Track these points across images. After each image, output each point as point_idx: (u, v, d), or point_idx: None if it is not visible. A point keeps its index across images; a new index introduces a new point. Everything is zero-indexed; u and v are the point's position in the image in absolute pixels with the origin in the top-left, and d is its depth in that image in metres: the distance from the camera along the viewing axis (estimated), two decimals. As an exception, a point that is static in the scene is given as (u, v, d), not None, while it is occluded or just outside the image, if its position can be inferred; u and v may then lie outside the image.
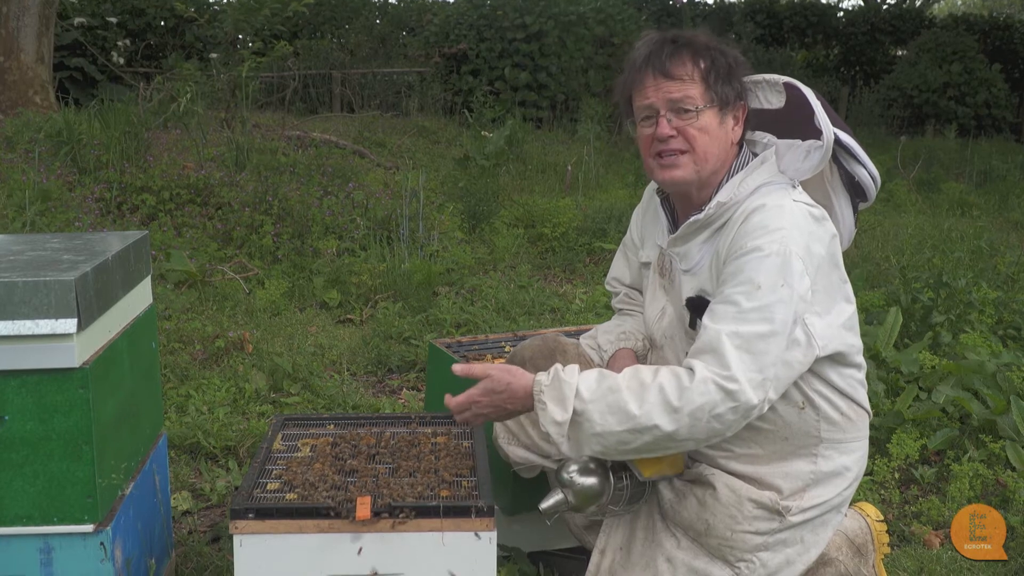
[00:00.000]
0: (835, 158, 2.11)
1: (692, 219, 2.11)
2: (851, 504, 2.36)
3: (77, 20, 12.54)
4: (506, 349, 3.02)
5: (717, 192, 2.09)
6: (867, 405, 2.17)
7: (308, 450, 2.32)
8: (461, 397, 2.07)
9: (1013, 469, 3.36)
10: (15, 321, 1.84)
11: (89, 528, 1.96)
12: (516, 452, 2.33)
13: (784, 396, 2.00)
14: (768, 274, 1.91)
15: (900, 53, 19.76)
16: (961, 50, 17.04)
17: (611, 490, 2.09)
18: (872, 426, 2.24)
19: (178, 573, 2.59)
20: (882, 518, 2.41)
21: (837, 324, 2.03)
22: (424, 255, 5.98)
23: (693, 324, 2.11)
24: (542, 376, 2.00)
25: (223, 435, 3.41)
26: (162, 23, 13.65)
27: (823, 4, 20.50)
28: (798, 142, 2.09)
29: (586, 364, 2.37)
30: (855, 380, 2.12)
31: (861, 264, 6.29)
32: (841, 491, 2.14)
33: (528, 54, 13.37)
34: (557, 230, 6.91)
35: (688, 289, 2.13)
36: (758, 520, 2.07)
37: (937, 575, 2.73)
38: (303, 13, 9.70)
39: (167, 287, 5.08)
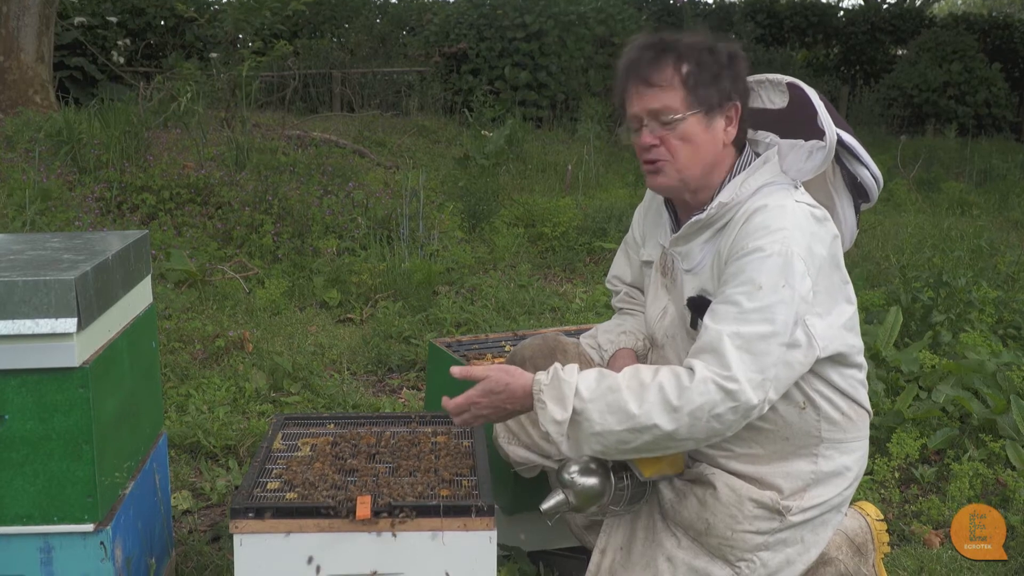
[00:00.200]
0: (837, 158, 2.11)
1: (694, 219, 2.11)
2: (851, 503, 2.36)
3: (77, 19, 12.54)
4: (506, 348, 3.02)
5: (719, 192, 2.09)
6: (868, 405, 2.17)
7: (308, 449, 2.32)
8: (460, 399, 2.07)
9: (1013, 468, 3.36)
10: (15, 320, 1.84)
11: (89, 527, 1.96)
12: (516, 452, 2.32)
13: (785, 396, 2.00)
14: (769, 275, 1.91)
15: (900, 52, 19.75)
16: (961, 49, 17.04)
17: (612, 490, 2.09)
18: (872, 425, 2.24)
19: (178, 572, 2.59)
20: (882, 517, 2.41)
21: (838, 325, 2.03)
22: (424, 254, 5.99)
23: (694, 324, 2.11)
24: (541, 376, 2.00)
25: (223, 434, 3.41)
26: (162, 22, 13.65)
27: (823, 4, 20.49)
28: (801, 142, 2.09)
29: (586, 363, 2.37)
30: (856, 380, 2.12)
31: (861, 263, 6.29)
32: (841, 491, 2.14)
33: (528, 53, 13.37)
34: (557, 229, 6.91)
35: (690, 289, 2.13)
36: (758, 520, 2.07)
37: (937, 574, 2.73)
38: (303, 12, 9.70)
39: (167, 286, 5.08)
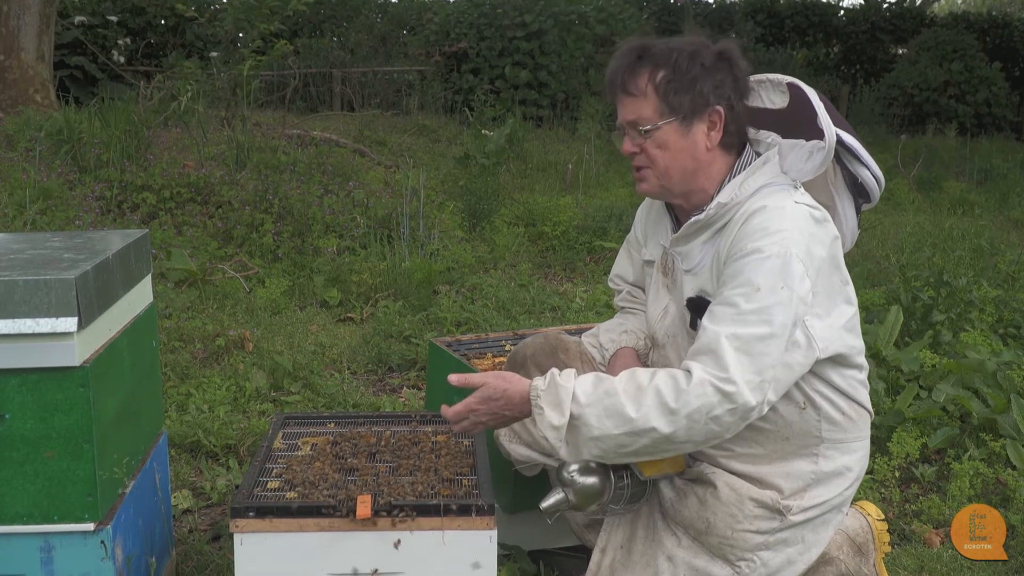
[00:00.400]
0: (838, 159, 2.10)
1: (693, 219, 2.11)
2: (852, 503, 2.36)
3: (78, 19, 12.54)
4: (507, 348, 3.02)
5: (718, 192, 2.09)
6: (868, 405, 2.17)
7: (309, 449, 2.32)
8: (458, 406, 2.07)
9: (1013, 468, 3.36)
10: (15, 320, 1.84)
11: (90, 527, 1.96)
12: (518, 450, 2.32)
13: (785, 396, 2.00)
14: (768, 276, 1.91)
15: (900, 52, 19.75)
16: (961, 48, 17.04)
17: (612, 489, 2.09)
18: (873, 425, 2.24)
19: (178, 572, 2.59)
20: (883, 517, 2.41)
21: (838, 326, 2.03)
22: (424, 254, 5.98)
23: (694, 324, 2.10)
24: (538, 381, 1.99)
25: (223, 434, 3.41)
26: (162, 22, 13.64)
27: (824, 3, 20.48)
28: (802, 142, 2.08)
29: (588, 362, 2.37)
30: (856, 381, 2.12)
31: (861, 263, 6.29)
32: (842, 491, 2.14)
33: (528, 53, 13.36)
34: (557, 229, 6.91)
35: (689, 289, 2.13)
36: (759, 519, 2.07)
37: (937, 574, 2.73)
38: (303, 12, 9.71)
39: (167, 286, 5.08)
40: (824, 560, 2.27)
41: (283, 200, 6.28)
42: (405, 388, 4.20)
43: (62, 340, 1.86)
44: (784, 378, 1.93)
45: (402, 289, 5.31)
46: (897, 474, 3.31)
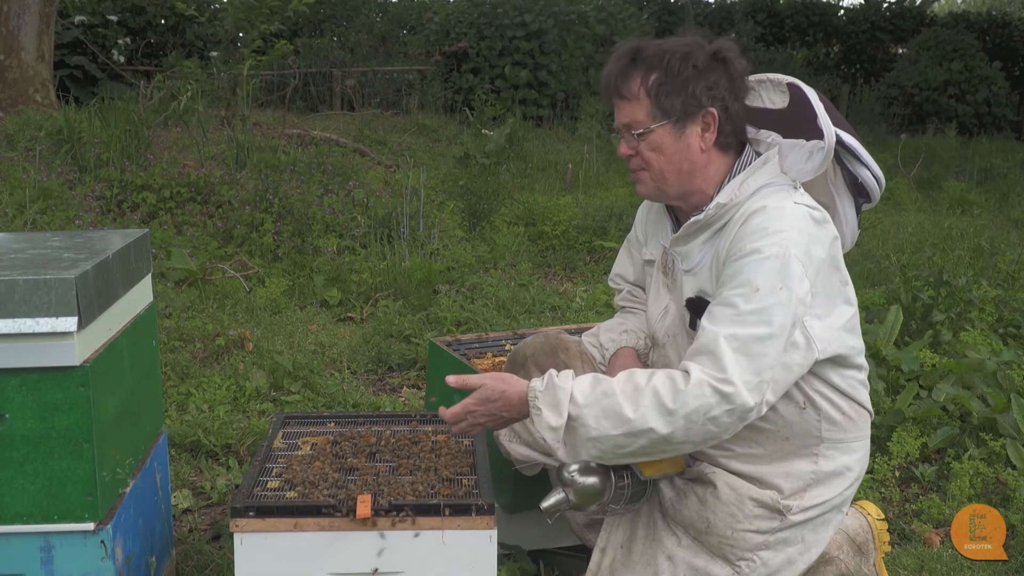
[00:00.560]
0: (838, 159, 2.10)
1: (692, 219, 2.11)
2: (852, 503, 2.36)
3: (78, 18, 12.54)
4: (507, 347, 3.02)
5: (718, 193, 2.09)
6: (868, 405, 2.17)
7: (309, 448, 2.32)
8: (456, 408, 2.07)
9: (1013, 467, 3.36)
10: (15, 319, 1.84)
11: (90, 526, 1.96)
12: (518, 450, 2.32)
13: (785, 396, 2.00)
14: (767, 277, 1.90)
15: (900, 51, 19.75)
16: (961, 48, 17.04)
17: (612, 489, 2.09)
18: (873, 424, 2.24)
19: (179, 571, 2.59)
20: (883, 517, 2.41)
21: (837, 327, 2.02)
22: (424, 253, 5.99)
23: (693, 325, 2.10)
24: (536, 382, 1.99)
25: (223, 433, 3.41)
26: (162, 21, 13.64)
27: (824, 3, 20.48)
28: (802, 142, 2.08)
29: (588, 362, 2.37)
30: (856, 381, 2.12)
31: (861, 262, 6.29)
32: (842, 491, 2.14)
33: (528, 52, 13.36)
34: (557, 228, 6.91)
35: (688, 289, 2.13)
36: (759, 519, 2.07)
37: (937, 573, 2.73)
38: (303, 12, 9.71)
39: (167, 285, 5.08)
40: (824, 560, 2.27)
41: (283, 200, 6.28)
42: (405, 388, 4.20)
43: (62, 340, 1.86)
44: (783, 379, 1.92)
45: (402, 289, 5.31)
46: (897, 474, 3.31)
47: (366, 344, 4.59)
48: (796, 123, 2.10)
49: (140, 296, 2.33)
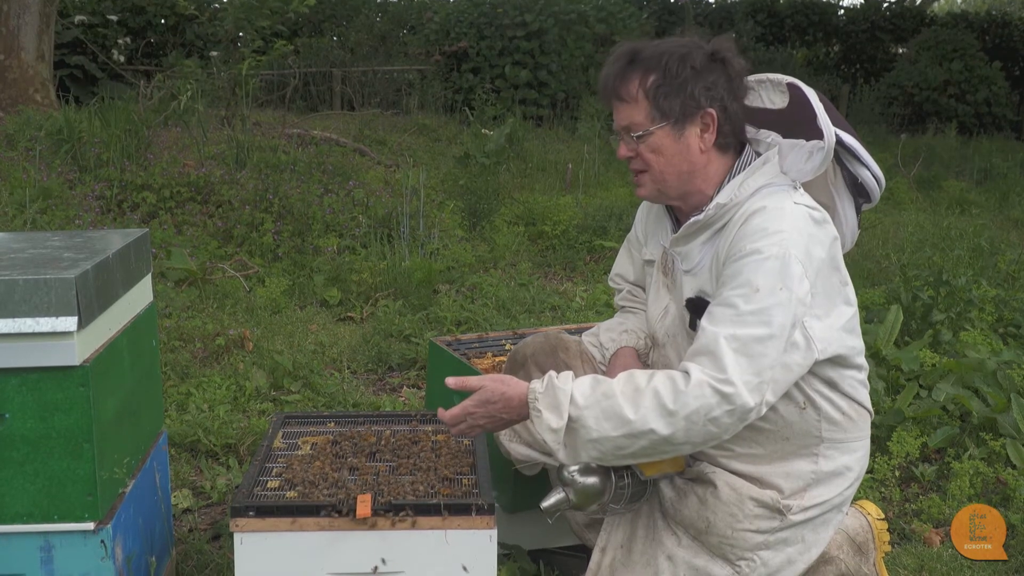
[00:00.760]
0: (838, 159, 2.10)
1: (692, 220, 2.11)
2: (852, 502, 2.36)
3: (78, 18, 12.54)
4: (507, 347, 3.02)
5: (717, 193, 2.09)
6: (868, 405, 2.17)
7: (309, 448, 2.32)
8: (455, 410, 2.07)
9: (1013, 467, 3.36)
10: (16, 319, 1.84)
11: (90, 526, 1.96)
12: (518, 449, 2.32)
13: (785, 396, 2.00)
14: (767, 277, 1.90)
15: (900, 51, 19.75)
16: (961, 48, 17.04)
17: (612, 489, 2.09)
18: (873, 424, 2.24)
19: (178, 571, 2.59)
20: (883, 516, 2.41)
21: (837, 327, 2.02)
22: (424, 253, 5.98)
23: (693, 325, 2.10)
24: (536, 384, 1.99)
25: (223, 433, 3.41)
26: (162, 21, 13.64)
27: (824, 3, 20.48)
28: (802, 142, 2.08)
29: (588, 361, 2.37)
30: (856, 381, 2.12)
31: (861, 262, 6.29)
32: (842, 491, 2.14)
33: (528, 52, 13.36)
34: (557, 228, 6.91)
35: (688, 290, 2.13)
36: (759, 519, 2.07)
37: (937, 573, 2.73)
38: (304, 12, 9.71)
39: (167, 285, 5.08)
40: (824, 559, 2.27)
41: (283, 199, 6.28)
42: (405, 387, 4.20)
43: (62, 339, 1.86)
44: (783, 379, 1.92)
45: (402, 288, 5.31)
46: (897, 473, 3.31)
47: (366, 344, 4.59)
48: (796, 123, 2.10)
49: (140, 296, 2.33)
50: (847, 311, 2.07)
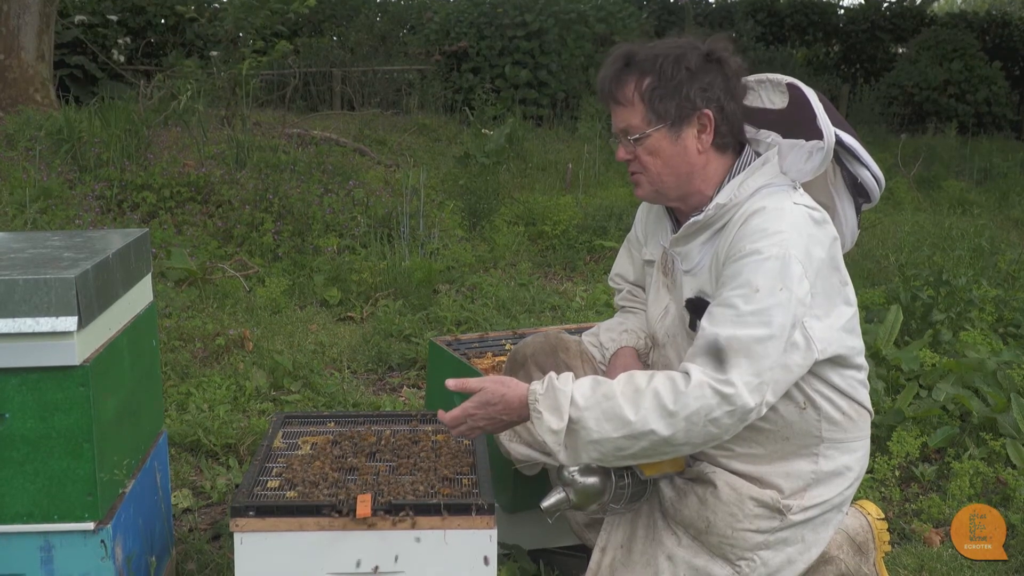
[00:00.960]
0: (838, 159, 2.10)
1: (692, 220, 2.11)
2: (852, 502, 2.36)
3: (78, 18, 12.54)
4: (507, 347, 3.02)
5: (717, 193, 2.09)
6: (868, 405, 2.17)
7: (309, 448, 2.32)
8: (455, 411, 2.07)
9: (1013, 467, 3.36)
10: (15, 319, 1.84)
11: (90, 526, 1.96)
12: (518, 449, 2.32)
13: (785, 396, 2.00)
14: (767, 277, 1.90)
15: (900, 51, 19.75)
16: (961, 48, 17.03)
17: (612, 488, 2.09)
18: (873, 424, 2.24)
19: (179, 571, 2.59)
20: (883, 516, 2.41)
21: (837, 327, 2.02)
22: (424, 253, 5.99)
23: (693, 325, 2.10)
24: (536, 385, 1.99)
25: (224, 433, 3.41)
26: (162, 21, 13.64)
27: (824, 2, 20.49)
28: (802, 142, 2.08)
29: (588, 361, 2.37)
30: (856, 381, 2.12)
31: (861, 262, 6.29)
32: (842, 490, 2.14)
33: (528, 52, 13.36)
34: (557, 228, 6.91)
35: (688, 290, 2.13)
36: (759, 519, 2.07)
37: (937, 573, 2.73)
38: (304, 13, 9.72)
39: (167, 285, 5.08)
40: (824, 559, 2.27)
41: (283, 199, 6.28)
42: (405, 387, 4.20)
43: (62, 339, 1.86)
44: (783, 379, 1.92)
45: (402, 288, 5.31)
46: (897, 473, 3.31)
47: (366, 344, 4.59)
48: (796, 123, 2.10)
49: (140, 296, 2.33)
50: (847, 311, 2.06)
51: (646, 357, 2.34)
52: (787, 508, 2.07)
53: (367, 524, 1.96)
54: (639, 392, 1.90)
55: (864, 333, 2.54)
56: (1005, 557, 2.76)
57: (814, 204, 2.06)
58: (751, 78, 2.16)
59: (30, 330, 1.84)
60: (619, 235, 6.54)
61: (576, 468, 2.06)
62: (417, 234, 6.18)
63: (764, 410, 1.91)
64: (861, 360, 2.12)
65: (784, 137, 2.12)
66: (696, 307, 2.09)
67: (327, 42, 14.22)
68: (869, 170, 2.10)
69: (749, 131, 2.18)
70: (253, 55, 8.58)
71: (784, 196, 2.02)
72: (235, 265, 5.54)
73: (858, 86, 17.68)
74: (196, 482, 3.18)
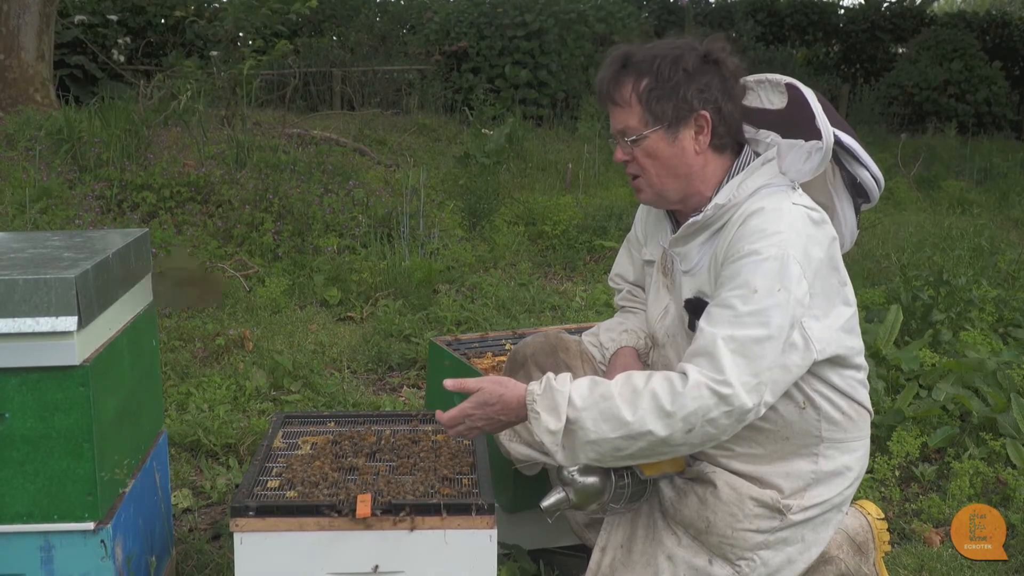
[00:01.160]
0: (837, 160, 2.10)
1: (691, 220, 2.11)
2: (852, 502, 2.36)
3: (78, 18, 12.54)
4: (506, 347, 3.02)
5: (716, 194, 2.09)
6: (868, 404, 2.17)
7: (309, 448, 2.32)
8: (453, 411, 2.07)
9: (1013, 467, 3.36)
10: (16, 319, 1.84)
11: (90, 526, 1.96)
12: (518, 449, 2.32)
13: (785, 396, 2.00)
14: (765, 278, 1.90)
15: (900, 51, 19.75)
16: (961, 48, 17.03)
17: (612, 488, 2.09)
18: (872, 424, 2.24)
19: (178, 571, 2.59)
20: (883, 516, 2.41)
21: (836, 327, 2.02)
22: (424, 253, 5.99)
23: (692, 326, 2.10)
24: (534, 386, 1.99)
25: (223, 433, 3.41)
26: (162, 21, 13.64)
27: (823, 2, 20.49)
28: (801, 142, 2.08)
29: (588, 361, 2.37)
30: (856, 381, 2.12)
31: (861, 262, 6.29)
32: (842, 490, 2.14)
33: (528, 52, 13.36)
34: (557, 228, 6.91)
35: (687, 290, 2.13)
36: (759, 518, 2.07)
37: (937, 573, 2.73)
38: (304, 13, 9.73)
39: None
40: (824, 559, 2.27)
41: (283, 199, 6.28)
42: (405, 387, 4.20)
43: (62, 339, 1.86)
44: (781, 380, 1.92)
45: (402, 288, 5.31)
46: (897, 473, 3.31)
47: (366, 344, 4.59)
48: (795, 123, 2.10)
49: (140, 295, 2.33)
50: (846, 311, 2.06)
51: (646, 357, 2.34)
52: (787, 508, 2.07)
53: (367, 524, 1.96)
54: (637, 393, 1.90)
55: (864, 333, 2.54)
56: (1005, 557, 2.76)
57: (813, 204, 2.05)
58: (750, 78, 2.16)
59: (30, 330, 1.84)
60: (619, 235, 6.54)
61: (576, 468, 2.06)
62: (417, 234, 6.18)
63: (762, 410, 1.91)
64: (860, 360, 2.12)
65: (783, 137, 2.12)
66: (695, 307, 2.09)
67: (327, 42, 14.22)
68: (868, 170, 2.10)
69: (748, 131, 2.18)
70: (253, 55, 8.57)
71: (783, 196, 2.02)
72: (235, 265, 5.54)
73: (858, 86, 17.68)
74: (196, 482, 3.18)
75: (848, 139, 2.06)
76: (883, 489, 3.24)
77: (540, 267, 6.43)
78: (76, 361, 1.88)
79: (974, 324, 4.54)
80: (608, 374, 2.29)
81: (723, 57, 2.07)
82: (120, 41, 13.41)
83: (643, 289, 2.43)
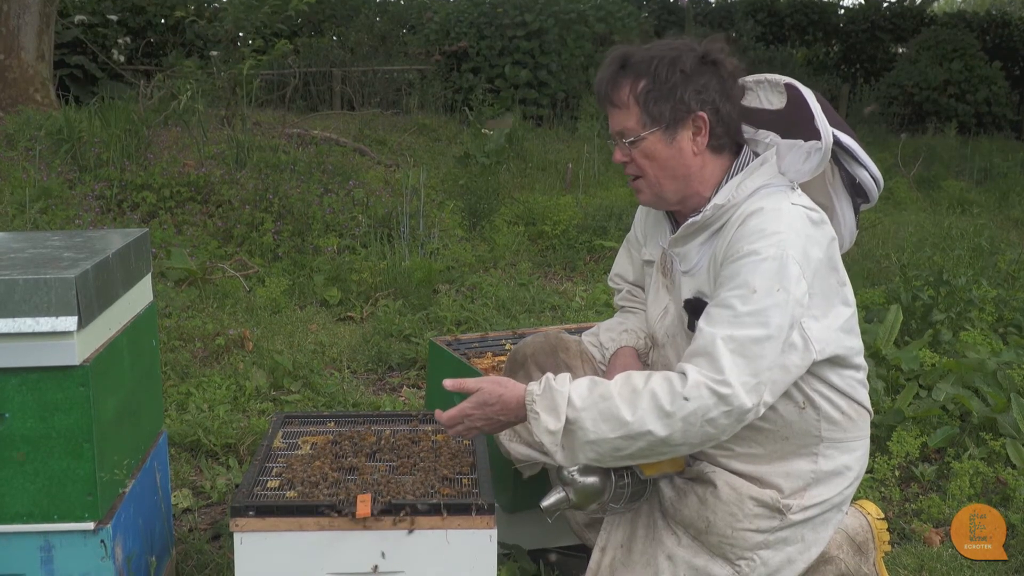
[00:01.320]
0: (836, 160, 2.10)
1: (690, 221, 2.11)
2: (852, 502, 2.36)
3: (78, 18, 12.54)
4: (506, 347, 3.02)
5: (715, 194, 2.09)
6: (868, 404, 2.17)
7: (309, 448, 2.32)
8: (453, 411, 2.07)
9: (1013, 467, 3.36)
10: (16, 319, 1.84)
11: (90, 526, 1.96)
12: (518, 449, 2.32)
13: (784, 396, 2.00)
14: (764, 278, 1.90)
15: (900, 51, 19.75)
16: (961, 48, 17.03)
17: (612, 488, 2.09)
18: (872, 424, 2.24)
19: (178, 571, 2.59)
20: (883, 516, 2.41)
21: (835, 327, 2.02)
22: (424, 253, 5.99)
23: (691, 326, 2.10)
24: (533, 386, 1.99)
25: (223, 433, 3.41)
26: (162, 21, 13.64)
27: (824, 2, 20.48)
28: (800, 142, 2.08)
29: (588, 361, 2.37)
30: (855, 380, 2.12)
31: (861, 262, 6.29)
32: (842, 490, 2.14)
33: (528, 52, 13.37)
34: (557, 228, 6.91)
35: (687, 291, 2.13)
36: (759, 518, 2.07)
37: (937, 573, 2.73)
38: (304, 11, 9.72)
39: (167, 285, 5.08)
40: (824, 559, 2.27)
41: (283, 199, 6.28)
42: (405, 387, 4.20)
43: (62, 339, 1.86)
44: (781, 380, 1.92)
45: (402, 288, 5.31)
46: (897, 473, 3.31)
47: (366, 344, 4.60)
48: (794, 124, 2.10)
49: (140, 296, 2.33)
50: (845, 311, 2.06)
51: (646, 357, 2.34)
52: (787, 508, 2.07)
53: (367, 524, 1.96)
54: (636, 393, 1.90)
55: (864, 333, 2.54)
56: (1005, 557, 2.76)
57: (812, 204, 2.05)
58: (749, 78, 2.16)
59: (30, 330, 1.84)
60: (619, 235, 6.54)
61: (575, 468, 2.06)
62: (417, 234, 6.18)
63: (762, 410, 1.91)
64: (860, 360, 2.12)
65: (782, 137, 2.12)
66: (694, 308, 2.09)
67: (327, 42, 14.22)
68: (867, 170, 2.10)
69: (748, 131, 2.18)
70: (253, 55, 8.57)
71: (782, 197, 2.02)
72: (235, 265, 5.54)
73: (858, 86, 17.68)
74: (196, 482, 3.18)
75: (847, 139, 2.06)
76: (883, 489, 3.24)
77: (540, 267, 6.43)
78: (76, 361, 1.88)
79: (974, 324, 4.54)
80: (608, 374, 2.29)
81: (721, 58, 2.07)
82: (120, 41, 13.41)
83: (643, 289, 2.44)
